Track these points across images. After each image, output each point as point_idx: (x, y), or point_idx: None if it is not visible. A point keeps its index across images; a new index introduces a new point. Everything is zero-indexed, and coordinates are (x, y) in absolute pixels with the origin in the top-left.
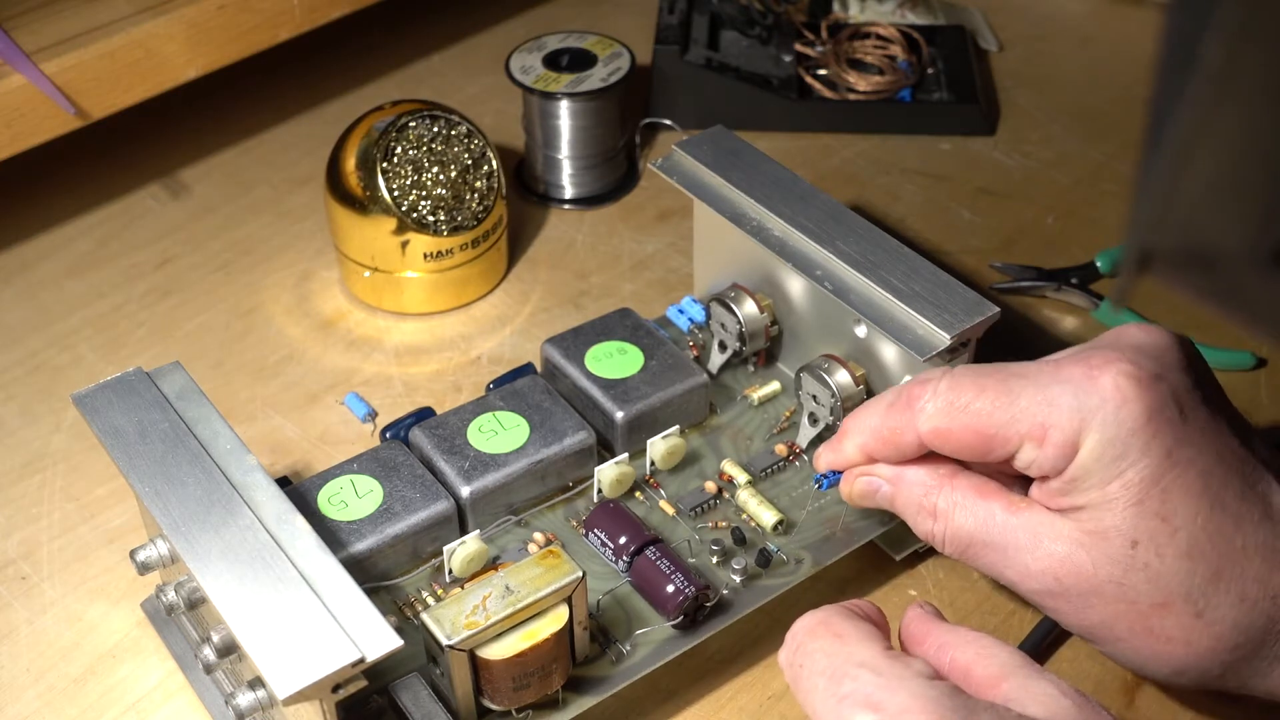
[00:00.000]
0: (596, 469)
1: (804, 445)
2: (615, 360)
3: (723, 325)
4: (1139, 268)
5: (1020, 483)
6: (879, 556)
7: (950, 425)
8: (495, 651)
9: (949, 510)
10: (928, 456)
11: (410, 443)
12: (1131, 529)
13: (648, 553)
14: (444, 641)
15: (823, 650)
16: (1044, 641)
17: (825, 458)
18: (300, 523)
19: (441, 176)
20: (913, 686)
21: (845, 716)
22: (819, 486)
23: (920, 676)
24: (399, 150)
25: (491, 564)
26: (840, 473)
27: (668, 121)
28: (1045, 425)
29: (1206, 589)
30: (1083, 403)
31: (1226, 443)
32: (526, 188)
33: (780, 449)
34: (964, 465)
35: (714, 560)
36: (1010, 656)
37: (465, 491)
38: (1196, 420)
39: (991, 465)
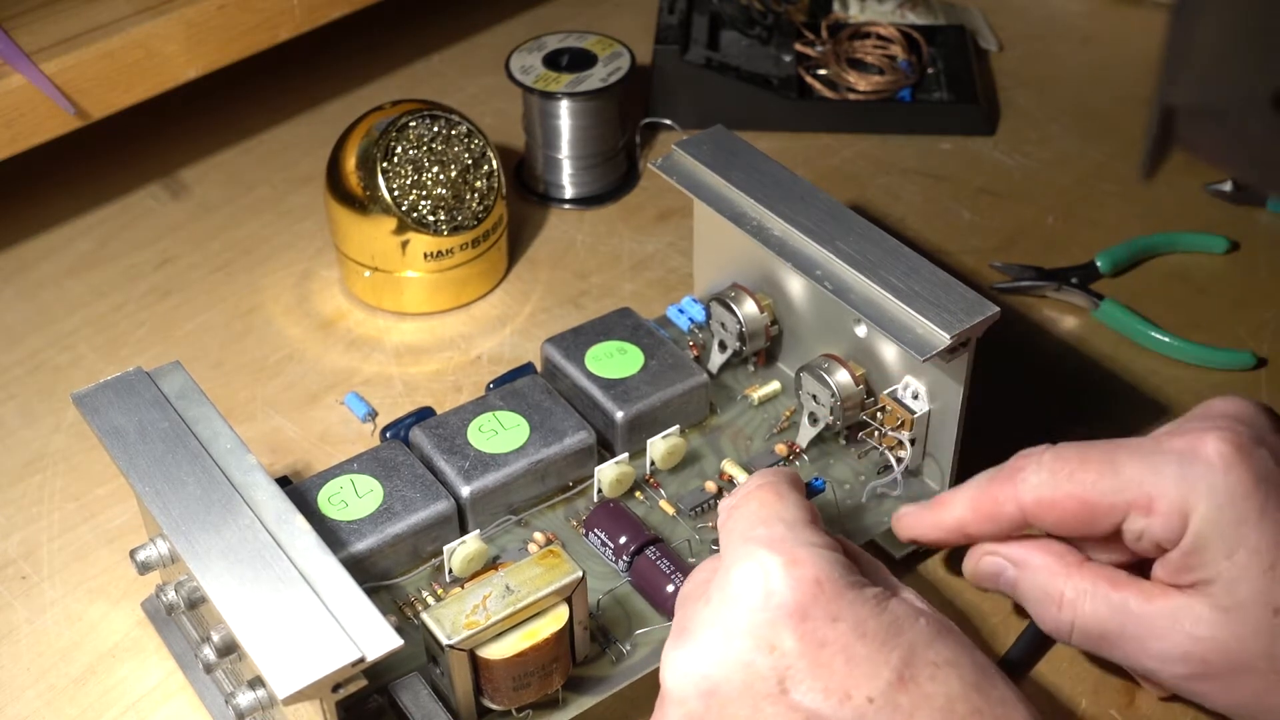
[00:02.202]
0: (596, 469)
1: (804, 445)
2: (615, 360)
3: (723, 325)
4: (1162, 126)
5: (1142, 574)
6: (879, 556)
7: (1054, 495)
8: (495, 651)
9: (1077, 599)
10: (1053, 544)
11: (410, 442)
12: (1269, 596)
13: (648, 553)
14: (444, 641)
15: (759, 501)
16: (1037, 638)
17: (915, 523)
18: (300, 522)
19: (442, 176)
20: (814, 548)
21: (745, 554)
22: (815, 484)
23: (827, 548)
24: (399, 150)
25: (491, 564)
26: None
27: (668, 121)
28: (1151, 495)
29: None
30: (1187, 471)
31: None
32: (526, 188)
33: (780, 449)
34: (1087, 557)
35: (705, 560)
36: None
37: (465, 491)
38: None
39: (1103, 546)
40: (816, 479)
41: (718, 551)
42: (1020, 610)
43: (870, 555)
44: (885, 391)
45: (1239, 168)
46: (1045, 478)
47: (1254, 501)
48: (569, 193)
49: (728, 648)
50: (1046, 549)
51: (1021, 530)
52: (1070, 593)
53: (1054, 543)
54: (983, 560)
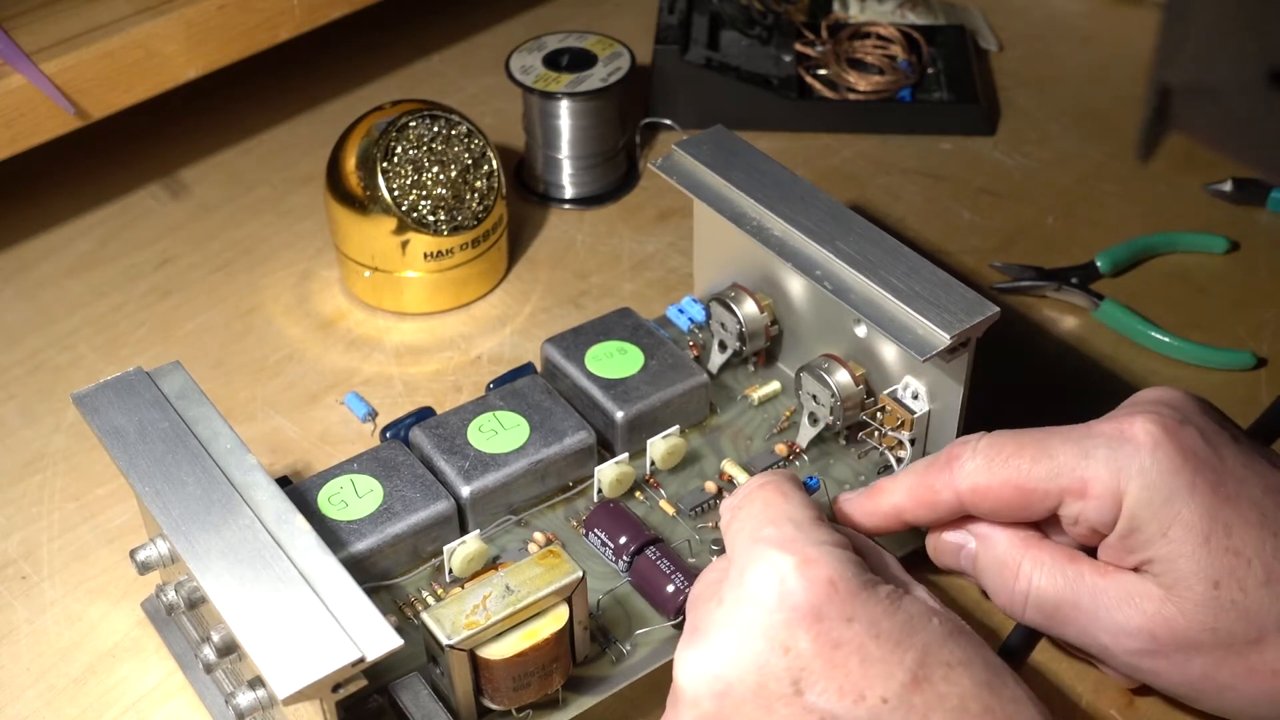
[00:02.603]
0: (596, 469)
1: (804, 445)
2: (615, 360)
3: (723, 325)
4: (1158, 105)
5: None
6: None
7: (990, 481)
8: (495, 651)
9: (1033, 571)
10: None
11: (410, 442)
12: (1208, 569)
13: (648, 552)
14: (444, 641)
15: (763, 500)
16: (1031, 633)
17: (853, 509)
18: (300, 522)
19: (441, 176)
20: (826, 547)
21: (756, 555)
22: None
23: (838, 546)
24: (399, 150)
25: (491, 564)
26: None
27: (668, 121)
28: (1084, 478)
29: None
30: (1116, 453)
31: (1267, 474)
32: (526, 188)
33: (780, 449)
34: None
35: (714, 560)
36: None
37: (465, 491)
38: (1232, 457)
39: (1053, 526)
40: (811, 478)
41: (718, 552)
42: None
43: (879, 546)
44: (885, 391)
45: (1235, 148)
46: (981, 464)
47: (1183, 478)
48: (569, 193)
49: (742, 649)
50: (1004, 526)
51: (957, 516)
52: (1027, 565)
53: (1004, 531)
54: (944, 534)
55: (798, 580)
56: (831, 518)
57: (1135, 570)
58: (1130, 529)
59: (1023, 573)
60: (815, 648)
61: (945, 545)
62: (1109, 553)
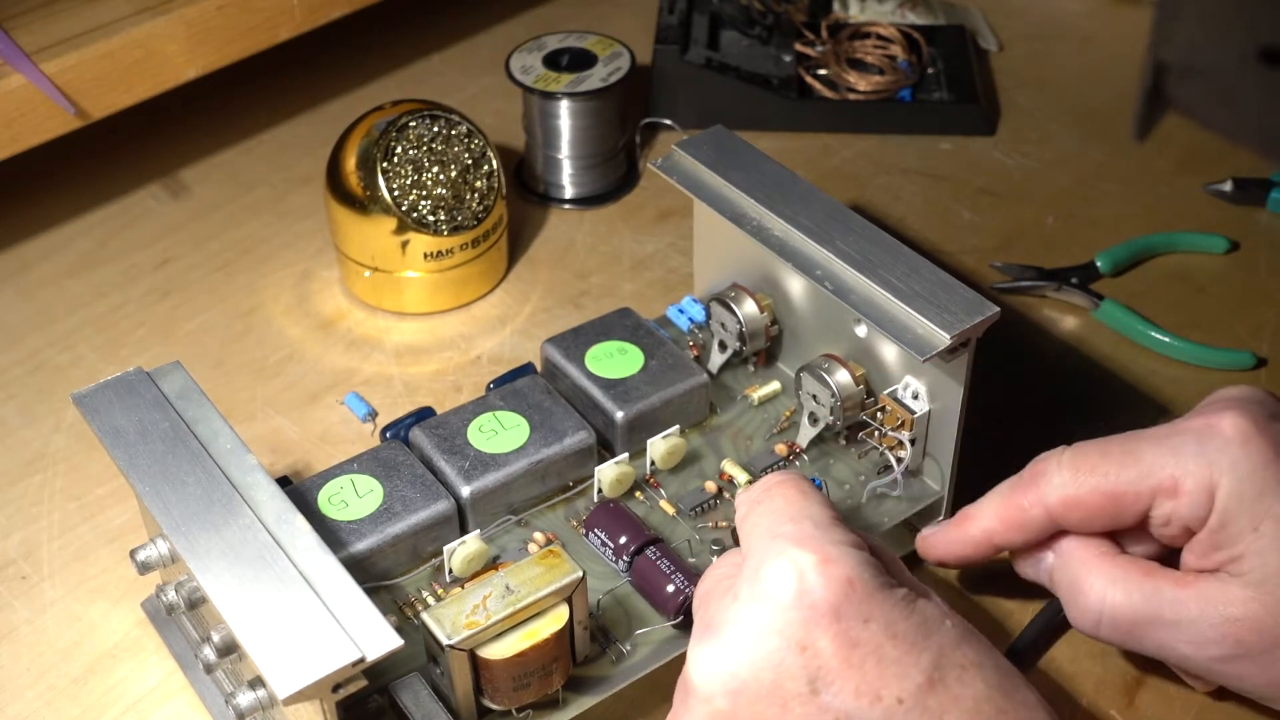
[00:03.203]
0: (596, 469)
1: (804, 445)
2: (615, 360)
3: (723, 325)
4: (1154, 83)
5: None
6: None
7: (1080, 492)
8: (495, 651)
9: (1107, 588)
10: (1086, 536)
11: (410, 442)
12: None
13: (648, 552)
14: (444, 641)
15: (783, 497)
16: (1039, 638)
17: (939, 541)
18: (300, 522)
19: (442, 176)
20: (845, 547)
21: (775, 550)
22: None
23: (856, 547)
24: (399, 150)
25: (491, 564)
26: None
27: (668, 121)
28: (1175, 476)
29: None
30: (1206, 449)
31: None
32: (526, 188)
33: (780, 449)
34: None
35: (714, 560)
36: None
37: (465, 491)
38: None
39: (1133, 541)
40: (813, 479)
41: (718, 552)
42: (1022, 606)
43: (892, 551)
44: (885, 391)
45: (1226, 124)
46: (1068, 477)
47: (1274, 471)
48: (569, 193)
49: (758, 646)
50: (1080, 539)
51: (1049, 534)
52: (1100, 582)
53: (1088, 536)
54: (1026, 565)
55: (817, 578)
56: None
57: (1216, 573)
58: (1222, 523)
59: (1095, 590)
60: (833, 647)
61: (1027, 558)
62: (1195, 551)
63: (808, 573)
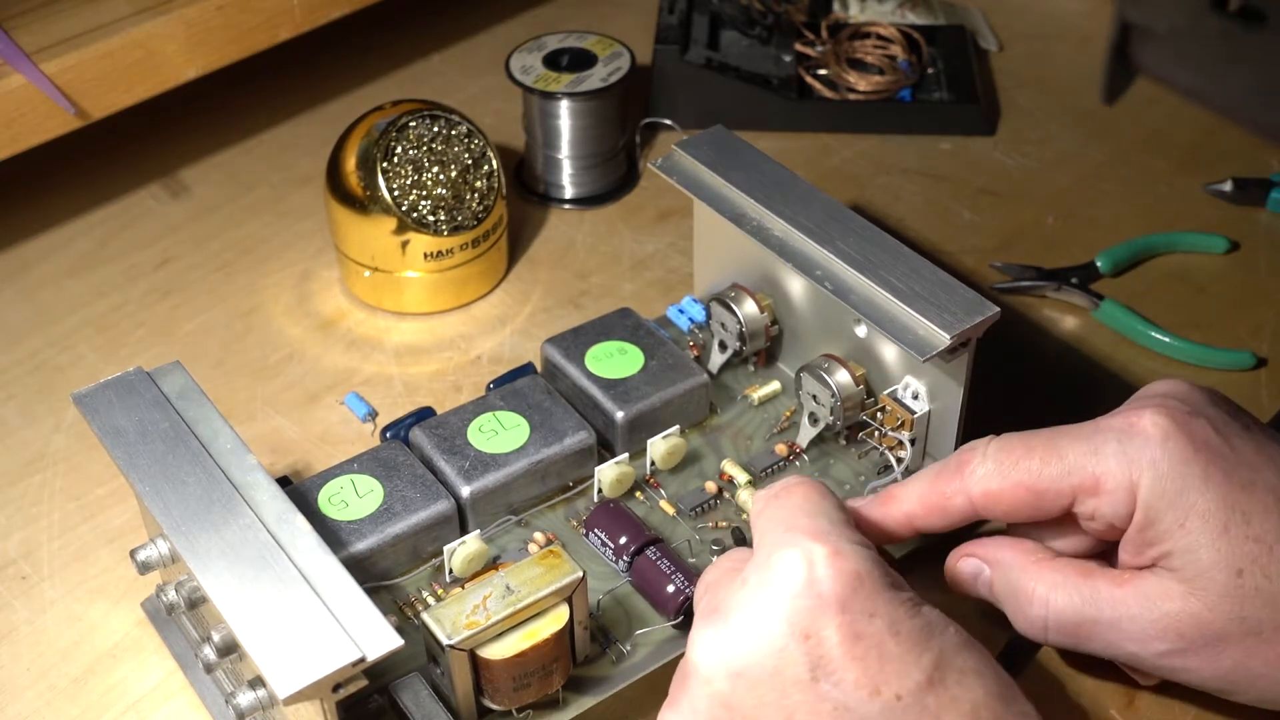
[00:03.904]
0: (596, 469)
1: (804, 445)
2: (615, 360)
3: (723, 325)
4: (1119, 43)
5: (1106, 563)
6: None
7: (1002, 485)
8: (495, 651)
9: (1050, 593)
10: (1022, 542)
11: (410, 443)
12: (1229, 558)
13: (648, 553)
14: (444, 641)
15: (802, 495)
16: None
17: (862, 517)
18: (300, 522)
19: (442, 176)
20: (857, 545)
21: (788, 540)
22: None
23: (867, 547)
24: (399, 150)
25: (491, 564)
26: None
27: (668, 121)
28: (1096, 475)
29: None
30: (1126, 447)
31: None
32: (526, 188)
33: (780, 449)
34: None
35: (714, 560)
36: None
37: (465, 491)
38: (1244, 445)
39: (1065, 536)
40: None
41: (718, 552)
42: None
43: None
44: (885, 391)
45: (1185, 81)
46: (992, 469)
47: (1195, 468)
48: (569, 193)
49: (763, 631)
50: (1015, 546)
51: (970, 522)
52: (1042, 588)
53: (1023, 541)
54: (960, 562)
55: (827, 569)
56: None
57: (1153, 568)
58: (1147, 521)
59: (1038, 597)
60: (837, 637)
61: (962, 575)
62: (1129, 547)
63: (818, 563)
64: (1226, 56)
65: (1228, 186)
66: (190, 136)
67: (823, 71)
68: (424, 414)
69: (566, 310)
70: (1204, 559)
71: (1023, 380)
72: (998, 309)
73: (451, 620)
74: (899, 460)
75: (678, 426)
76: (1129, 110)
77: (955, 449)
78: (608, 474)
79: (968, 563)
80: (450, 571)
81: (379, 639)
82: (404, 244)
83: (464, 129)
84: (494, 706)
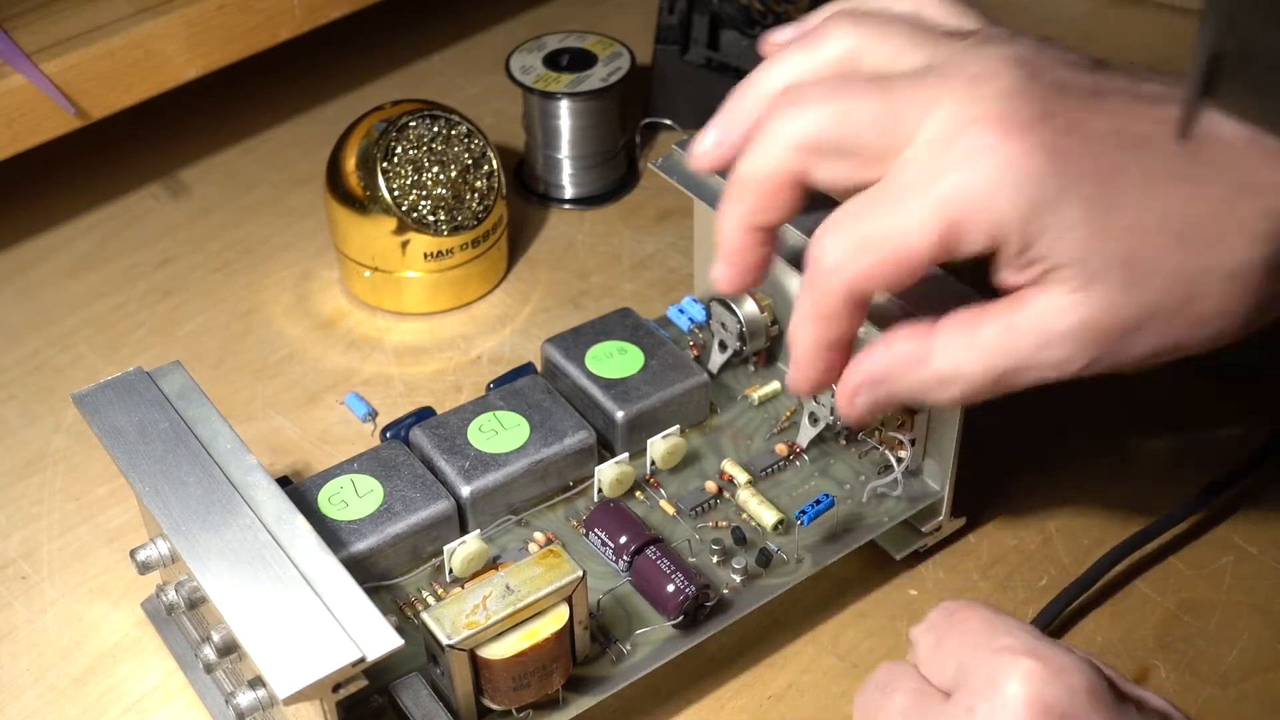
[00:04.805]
0: (596, 469)
1: (804, 445)
2: (615, 360)
3: (723, 325)
4: (1206, 76)
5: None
6: (879, 556)
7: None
8: (495, 651)
9: (954, 363)
10: (897, 330)
11: (410, 442)
12: (1114, 253)
13: (648, 552)
14: (444, 641)
15: (979, 618)
16: (1053, 621)
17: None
18: (300, 522)
19: (442, 176)
20: (1074, 657)
21: (1005, 663)
22: (801, 522)
23: (1081, 657)
24: (399, 150)
25: (491, 564)
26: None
27: (668, 121)
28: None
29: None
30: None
31: (1124, 115)
32: (526, 188)
33: (780, 448)
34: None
35: (714, 560)
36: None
37: (465, 491)
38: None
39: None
40: (825, 495)
41: (719, 551)
42: (1025, 605)
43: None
44: None
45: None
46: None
47: (1052, 183)
48: (569, 193)
49: None
50: (894, 336)
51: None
52: (943, 362)
53: (898, 328)
54: (856, 397)
55: (1059, 688)
56: (841, 526)
57: (1039, 284)
58: (1025, 243)
59: (944, 375)
60: None
61: (860, 405)
62: (1006, 269)
63: (1049, 682)
64: None
65: None
66: (190, 136)
67: None
68: (424, 414)
69: (566, 310)
70: (1093, 262)
71: None
72: None
73: (451, 620)
74: (899, 460)
75: (678, 426)
76: None
77: (955, 449)
78: (608, 474)
79: (862, 396)
80: (450, 571)
81: (379, 639)
82: (404, 244)
83: (464, 129)
84: (494, 706)
